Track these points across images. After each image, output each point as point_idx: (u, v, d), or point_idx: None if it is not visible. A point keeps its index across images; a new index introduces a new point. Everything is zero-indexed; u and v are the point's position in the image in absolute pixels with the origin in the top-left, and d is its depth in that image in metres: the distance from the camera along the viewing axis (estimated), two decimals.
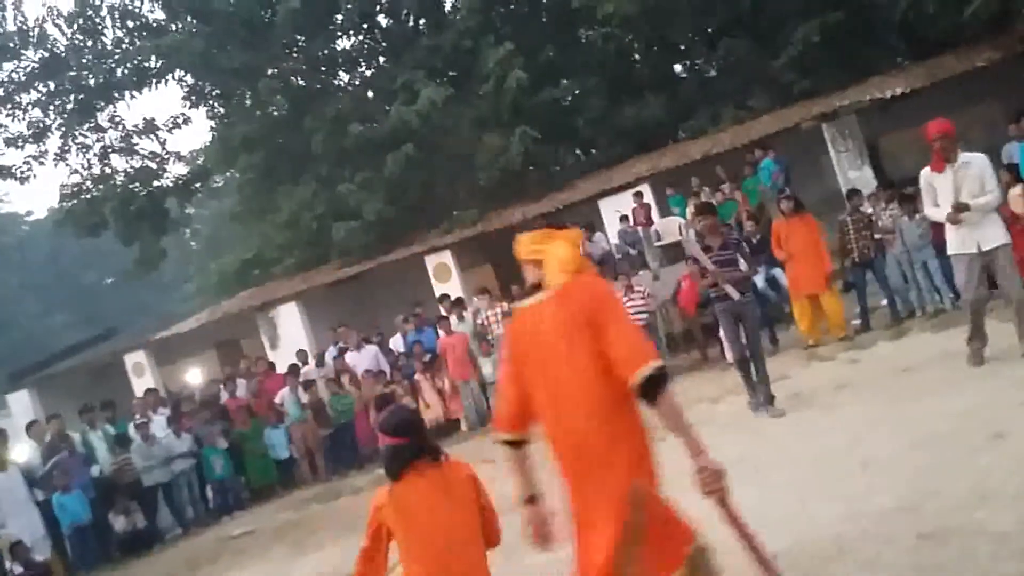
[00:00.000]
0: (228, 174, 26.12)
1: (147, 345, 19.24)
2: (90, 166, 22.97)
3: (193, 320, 20.68)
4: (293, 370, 12.85)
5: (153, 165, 23.54)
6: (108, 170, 23.07)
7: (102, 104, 22.52)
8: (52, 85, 22.00)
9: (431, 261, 17.29)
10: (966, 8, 13.76)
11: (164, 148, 23.85)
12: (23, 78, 21.92)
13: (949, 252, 6.80)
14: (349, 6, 21.08)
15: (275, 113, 20.98)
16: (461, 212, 18.47)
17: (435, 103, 18.12)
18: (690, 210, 13.13)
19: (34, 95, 22.15)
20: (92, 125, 22.77)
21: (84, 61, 21.95)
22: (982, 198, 6.36)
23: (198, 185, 24.38)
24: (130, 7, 22.04)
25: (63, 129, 22.46)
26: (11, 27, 21.67)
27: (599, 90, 19.36)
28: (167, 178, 23.42)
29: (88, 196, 22.43)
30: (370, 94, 22.08)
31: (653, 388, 2.86)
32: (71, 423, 11.95)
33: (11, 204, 48.46)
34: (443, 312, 12.93)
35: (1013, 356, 6.44)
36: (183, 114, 23.74)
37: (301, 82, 21.74)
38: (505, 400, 3.29)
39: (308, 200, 20.47)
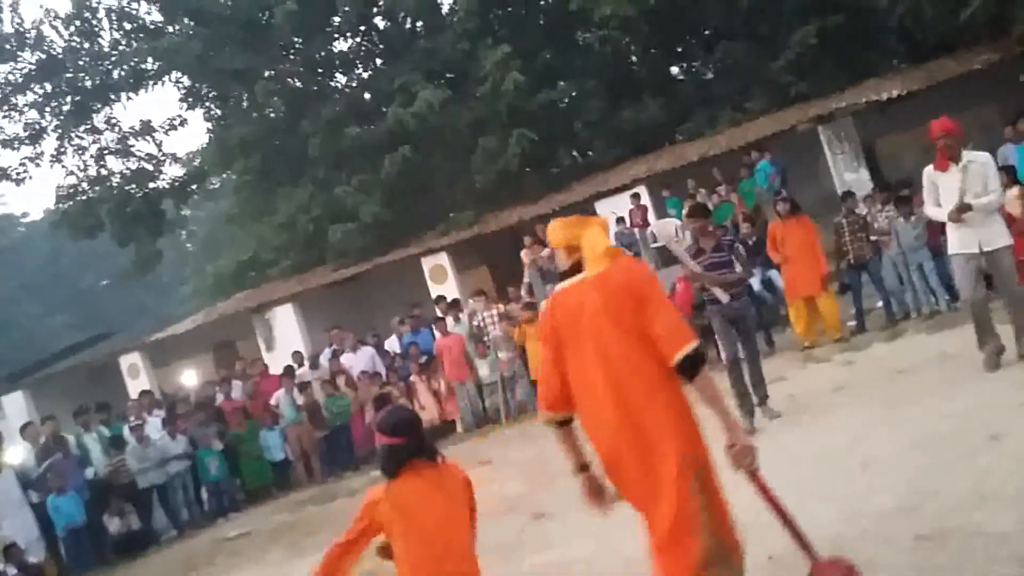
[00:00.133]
0: (225, 176, 26.10)
1: (142, 347, 19.21)
2: (86, 168, 23.01)
3: (189, 322, 20.65)
4: (288, 372, 12.82)
5: (149, 167, 23.55)
6: (104, 172, 23.08)
7: (99, 106, 22.53)
8: (49, 87, 22.00)
9: (427, 263, 17.28)
10: (963, 11, 13.78)
11: (160, 150, 23.92)
12: (19, 80, 21.94)
13: (950, 252, 6.70)
14: (346, 8, 21.06)
15: (272, 115, 20.96)
16: (458, 214, 18.48)
17: (432, 105, 18.12)
18: (684, 212, 13.13)
19: (31, 97, 22.18)
20: (88, 127, 22.78)
21: (81, 63, 21.96)
22: (985, 198, 6.27)
23: (194, 187, 24.39)
24: (127, 9, 22.06)
25: (59, 131, 22.48)
26: (8, 29, 21.72)
27: (596, 92, 19.36)
28: (163, 180, 23.43)
29: (84, 198, 22.42)
30: (367, 96, 22.07)
31: (692, 367, 3.07)
32: (66, 425, 11.92)
33: (7, 206, 48.34)
34: (439, 314, 12.91)
35: (1010, 358, 6.42)
36: (180, 116, 23.72)
37: (298, 84, 21.74)
38: (549, 383, 3.38)
39: (305, 202, 20.46)
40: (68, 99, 22.11)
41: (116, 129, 23.12)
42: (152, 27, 21.99)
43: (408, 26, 21.75)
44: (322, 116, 20.04)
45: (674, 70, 21.87)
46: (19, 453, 11.16)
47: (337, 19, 21.68)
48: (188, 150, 29.70)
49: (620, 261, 3.29)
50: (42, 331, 37.07)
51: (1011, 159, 10.51)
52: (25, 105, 22.18)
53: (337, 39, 22.58)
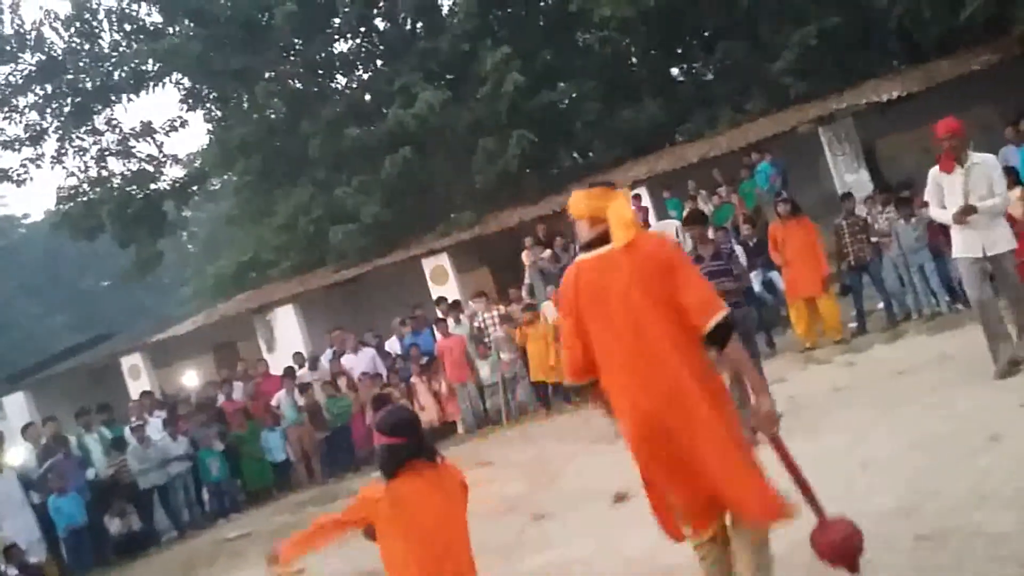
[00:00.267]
0: (225, 177, 26.09)
1: (143, 348, 19.22)
2: (87, 169, 23.01)
3: (190, 323, 20.65)
4: (289, 373, 12.82)
5: (150, 168, 23.55)
6: (105, 173, 23.09)
7: (99, 107, 22.54)
8: (49, 88, 22.00)
9: (428, 264, 17.28)
10: (962, 12, 13.79)
11: (161, 151, 23.90)
12: (20, 81, 21.94)
13: (954, 255, 6.63)
14: (346, 9, 21.08)
15: (272, 116, 20.96)
16: (458, 215, 18.48)
17: (432, 106, 18.12)
18: (682, 219, 13.14)
19: (31, 98, 22.17)
20: (89, 128, 22.78)
21: (81, 64, 21.96)
22: (989, 200, 6.19)
23: (195, 188, 24.38)
24: (127, 10, 22.04)
25: (60, 132, 22.49)
26: (8, 30, 21.70)
27: (596, 93, 19.36)
28: (164, 181, 23.43)
29: (85, 199, 22.43)
30: (367, 97, 22.07)
31: (723, 335, 3.14)
32: (67, 426, 11.93)
33: (8, 207, 48.23)
34: (440, 315, 12.92)
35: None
36: (180, 117, 23.76)
37: (298, 85, 21.73)
38: (572, 352, 3.43)
39: (305, 203, 20.46)
40: (68, 100, 22.12)
41: (117, 130, 23.16)
42: (152, 28, 21.99)
43: (408, 27, 21.74)
44: (322, 117, 20.04)
45: (674, 71, 21.87)
46: (20, 454, 11.17)
47: (337, 20, 21.68)
48: (189, 151, 29.68)
49: (646, 233, 3.39)
50: (42, 332, 37.07)
51: (1011, 160, 10.51)
52: (26, 106, 22.18)
53: (337, 40, 22.58)
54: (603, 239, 3.34)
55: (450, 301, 13.66)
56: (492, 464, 8.94)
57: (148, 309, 39.15)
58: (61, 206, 22.83)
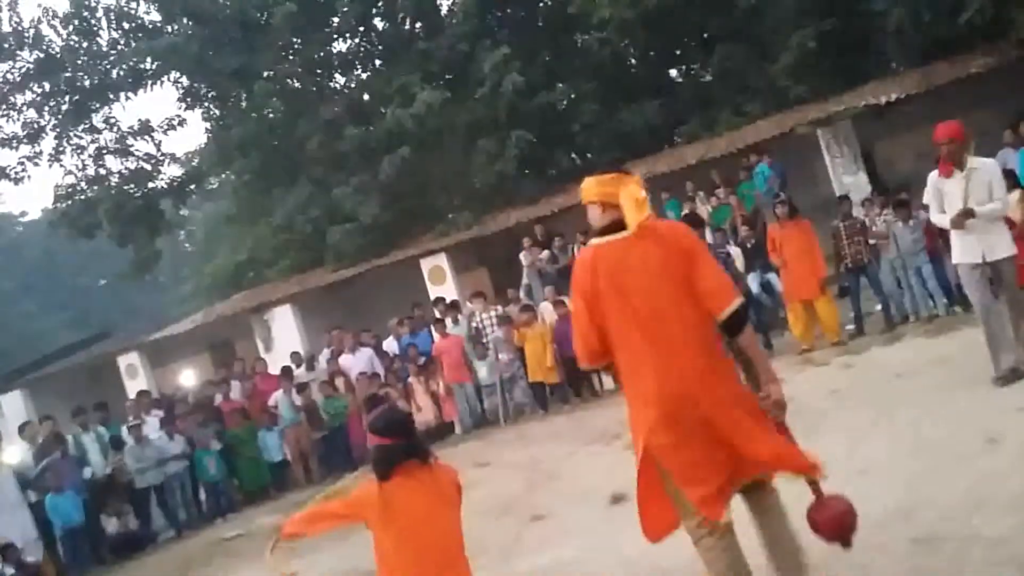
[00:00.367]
0: (223, 176, 26.07)
1: (141, 347, 19.20)
2: (84, 167, 22.91)
3: (187, 322, 20.64)
4: (287, 372, 12.81)
5: (148, 167, 23.46)
6: (103, 171, 22.98)
7: (97, 105, 22.45)
8: (47, 86, 21.94)
9: (426, 264, 17.27)
10: (961, 15, 13.81)
11: (159, 150, 23.81)
12: (18, 79, 21.86)
13: (954, 261, 6.56)
14: (345, 9, 21.06)
15: (271, 116, 20.93)
16: (456, 215, 18.46)
17: (431, 106, 18.11)
18: None
19: (29, 96, 22.08)
20: (87, 126, 22.70)
21: (79, 62, 21.88)
22: (988, 205, 6.09)
23: (193, 187, 24.32)
24: (126, 9, 21.99)
25: (58, 130, 22.40)
26: (6, 28, 21.62)
27: (595, 94, 19.36)
28: (162, 180, 23.34)
29: (82, 197, 22.35)
30: (366, 97, 22.04)
31: (737, 323, 3.25)
32: (64, 425, 11.90)
33: (5, 205, 48.28)
34: (438, 315, 12.91)
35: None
36: (178, 116, 23.63)
37: (297, 85, 21.71)
38: (585, 337, 3.45)
39: (303, 203, 20.43)
40: (67, 98, 22.04)
41: (115, 129, 23.04)
42: (151, 27, 21.95)
43: (407, 27, 21.73)
44: (321, 117, 20.03)
45: (673, 72, 21.88)
46: (17, 453, 11.16)
47: (336, 20, 21.66)
48: (187, 150, 29.62)
49: (662, 220, 3.47)
50: (39, 330, 37.02)
51: (1010, 163, 10.52)
52: (23, 104, 22.11)
53: (336, 40, 22.56)
54: (618, 225, 3.38)
55: (448, 301, 13.64)
56: (489, 465, 8.93)
57: (146, 308, 39.07)
58: (58, 204, 22.76)
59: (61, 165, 22.75)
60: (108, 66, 21.93)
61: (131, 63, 21.65)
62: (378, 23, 22.36)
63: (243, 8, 20.59)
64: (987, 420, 5.29)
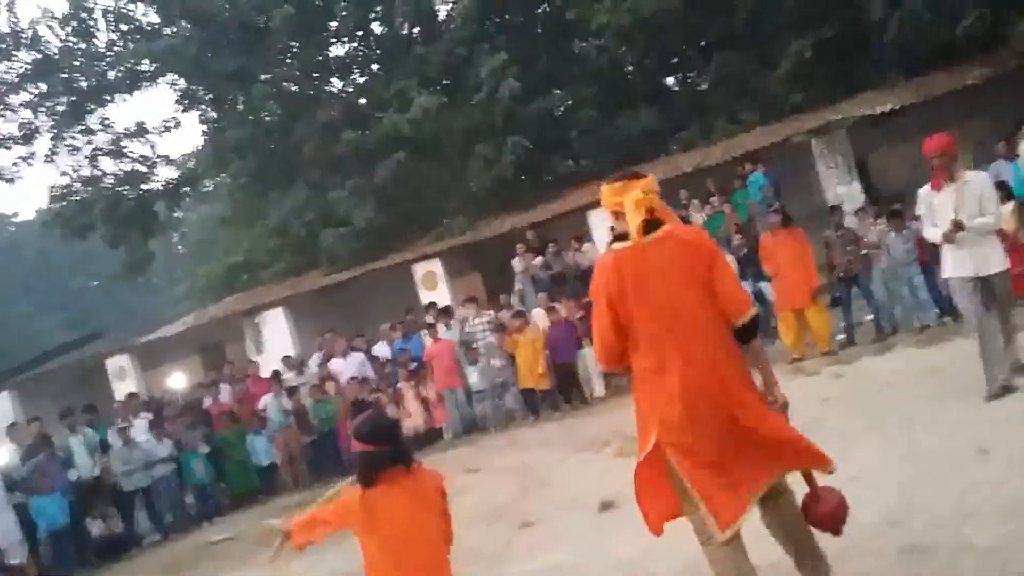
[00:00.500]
0: (218, 179, 26.05)
1: (130, 349, 19.10)
2: (79, 168, 22.92)
3: (179, 324, 20.55)
4: (276, 376, 12.74)
5: (143, 168, 23.48)
6: (97, 173, 23.00)
7: (93, 106, 22.46)
8: (43, 86, 21.95)
9: (419, 269, 17.22)
10: (958, 26, 13.84)
11: (154, 151, 23.83)
12: (14, 79, 21.84)
13: (944, 275, 6.45)
14: (343, 14, 21.07)
15: (267, 119, 20.94)
16: (451, 220, 18.44)
17: (427, 111, 18.10)
18: None
19: (25, 96, 22.12)
20: (83, 127, 22.68)
21: (76, 63, 21.89)
22: (979, 220, 5.97)
23: (188, 189, 24.30)
24: (124, 10, 22.00)
25: (53, 131, 22.40)
26: (4, 28, 21.63)
27: (591, 101, 19.39)
28: (156, 181, 23.37)
29: (77, 198, 22.32)
30: (362, 101, 22.04)
31: (751, 331, 3.44)
32: (52, 426, 11.81)
33: None
34: (430, 320, 12.87)
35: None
36: (174, 118, 23.65)
37: (294, 88, 21.71)
38: (608, 342, 3.54)
39: (298, 206, 20.40)
40: (63, 99, 22.04)
41: (110, 130, 23.07)
42: (148, 28, 21.95)
43: (405, 32, 21.74)
44: (317, 120, 20.01)
45: (669, 80, 21.94)
46: (3, 454, 11.07)
47: (334, 24, 21.67)
48: (182, 152, 29.68)
49: (683, 226, 3.60)
50: (31, 331, 36.92)
51: (1003, 175, 10.52)
52: (19, 104, 22.12)
53: (334, 44, 22.59)
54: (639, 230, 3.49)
55: (440, 306, 13.60)
56: (480, 471, 8.88)
57: (139, 310, 39.02)
58: (53, 205, 22.74)
59: (56, 166, 22.75)
60: (105, 67, 21.94)
61: (128, 64, 21.66)
62: (376, 27, 22.39)
63: (242, 11, 20.59)
64: (978, 430, 5.26)
